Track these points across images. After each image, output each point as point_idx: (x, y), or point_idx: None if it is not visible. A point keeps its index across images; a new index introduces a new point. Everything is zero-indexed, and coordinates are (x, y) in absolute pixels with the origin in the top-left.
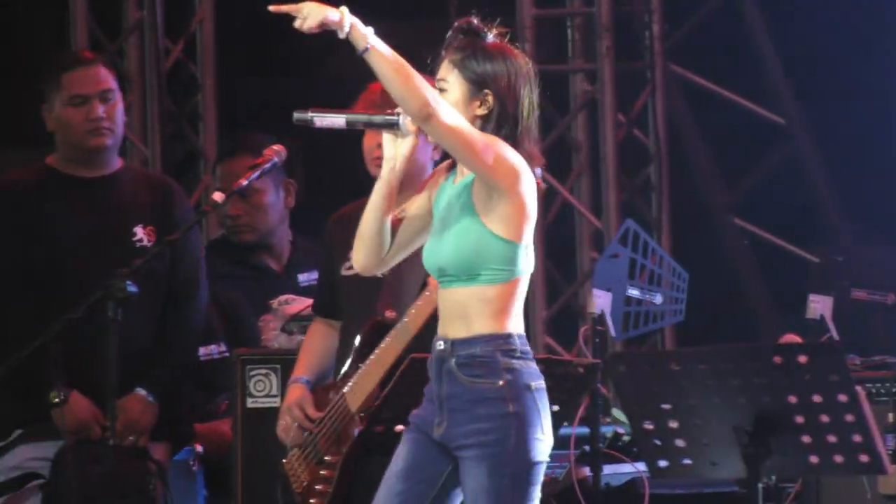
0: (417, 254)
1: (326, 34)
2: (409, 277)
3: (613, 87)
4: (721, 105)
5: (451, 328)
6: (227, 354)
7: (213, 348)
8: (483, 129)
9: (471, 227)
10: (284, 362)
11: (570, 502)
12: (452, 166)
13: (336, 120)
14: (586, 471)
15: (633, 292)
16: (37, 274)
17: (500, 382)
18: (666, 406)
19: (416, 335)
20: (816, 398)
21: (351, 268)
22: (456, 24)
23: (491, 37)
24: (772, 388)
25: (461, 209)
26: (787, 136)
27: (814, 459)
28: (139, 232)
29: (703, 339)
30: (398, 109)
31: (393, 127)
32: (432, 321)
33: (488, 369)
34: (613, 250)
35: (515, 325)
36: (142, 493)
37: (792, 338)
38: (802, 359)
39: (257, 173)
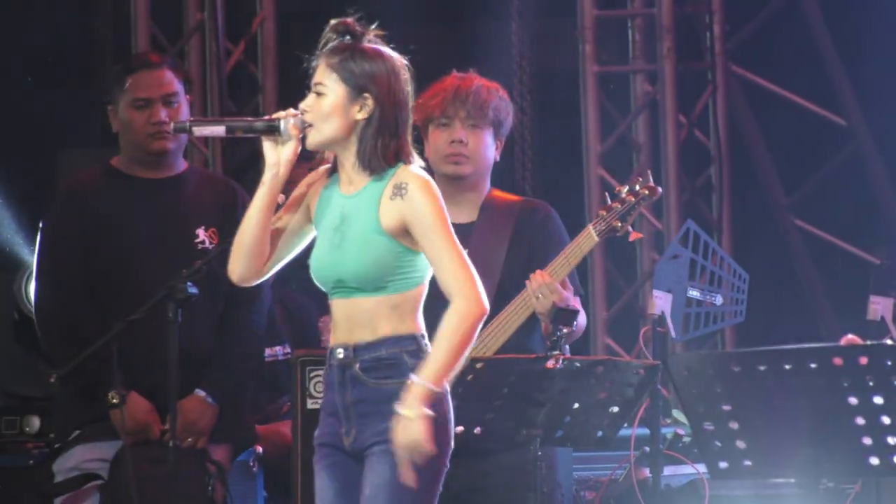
0: (494, 254)
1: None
2: (487, 278)
3: (674, 88)
4: (782, 106)
5: (352, 335)
6: (290, 355)
7: (277, 349)
8: (364, 132)
9: (377, 240)
10: None
11: (630, 503)
12: (331, 171)
13: (216, 128)
14: (646, 472)
15: (694, 293)
16: (99, 275)
17: (408, 381)
18: (726, 407)
19: (506, 341)
20: (877, 399)
21: None
22: (331, 25)
23: (366, 39)
24: (832, 390)
25: (364, 222)
26: (849, 137)
27: (874, 461)
28: (201, 234)
29: (764, 341)
30: (279, 114)
31: (274, 132)
32: (525, 325)
33: (395, 370)
34: (674, 251)
35: (419, 325)
36: (200, 495)
37: (853, 339)
38: (863, 360)
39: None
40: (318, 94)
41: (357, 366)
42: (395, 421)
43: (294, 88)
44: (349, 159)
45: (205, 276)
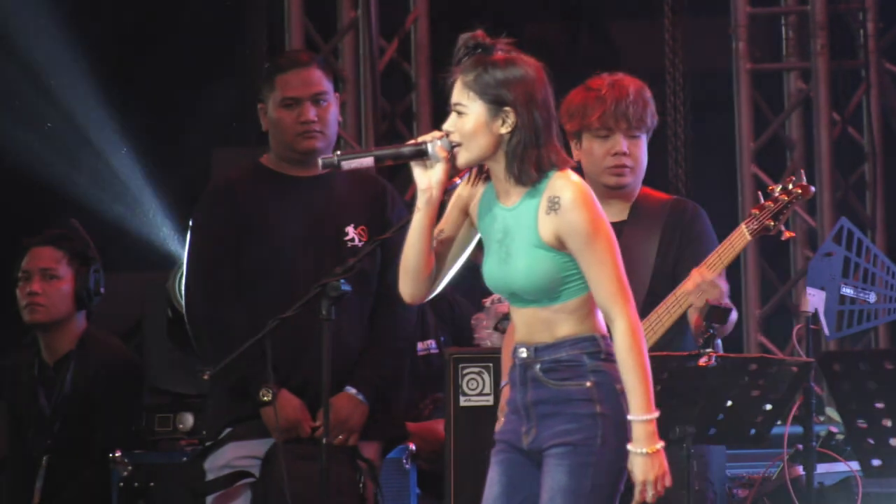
0: (644, 253)
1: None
2: (638, 276)
3: (828, 85)
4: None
5: (533, 336)
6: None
7: (430, 343)
8: (510, 145)
9: (541, 255)
10: (497, 361)
11: (784, 501)
12: (485, 178)
13: (364, 160)
14: (799, 469)
15: (847, 291)
16: (250, 272)
17: (588, 384)
18: (880, 405)
19: (658, 339)
20: None
21: None
22: (462, 39)
23: (498, 49)
24: None
25: (525, 237)
26: None
27: None
28: (350, 231)
29: None
30: (424, 137)
31: (423, 156)
32: (676, 324)
33: (574, 371)
34: (827, 249)
35: (600, 325)
36: (352, 492)
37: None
38: None
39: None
40: (459, 113)
41: (538, 366)
42: (631, 461)
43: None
44: (501, 172)
45: (356, 274)
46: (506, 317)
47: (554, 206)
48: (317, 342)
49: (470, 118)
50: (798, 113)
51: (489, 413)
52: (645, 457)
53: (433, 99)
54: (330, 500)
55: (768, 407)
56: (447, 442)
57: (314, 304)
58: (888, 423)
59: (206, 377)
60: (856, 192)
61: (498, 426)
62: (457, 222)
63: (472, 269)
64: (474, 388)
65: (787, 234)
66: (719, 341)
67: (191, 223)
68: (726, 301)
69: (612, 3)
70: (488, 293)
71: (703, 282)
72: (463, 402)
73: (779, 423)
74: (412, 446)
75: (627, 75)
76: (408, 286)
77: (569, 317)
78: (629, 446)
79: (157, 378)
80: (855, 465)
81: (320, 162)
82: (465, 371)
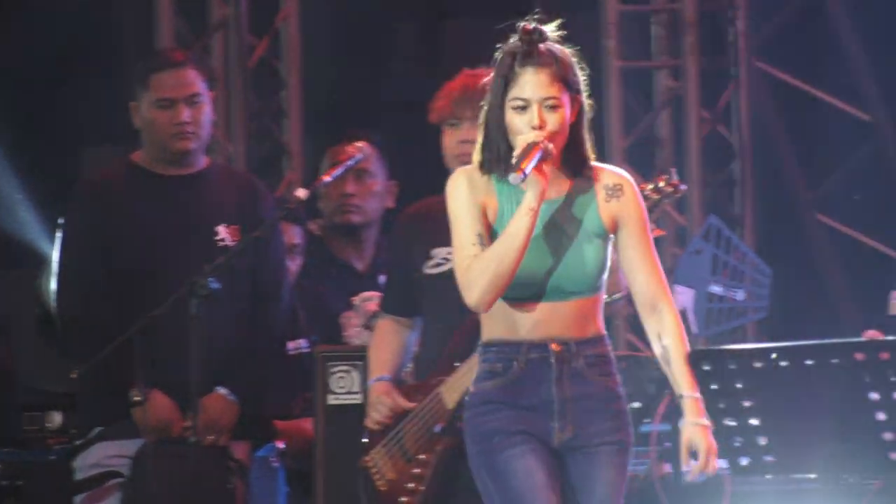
0: None
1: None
2: None
3: (697, 84)
4: (806, 101)
5: (565, 331)
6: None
7: (301, 342)
8: (573, 133)
9: (600, 244)
10: (366, 359)
11: (651, 499)
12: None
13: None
14: (667, 468)
15: (716, 289)
16: (120, 271)
17: (618, 380)
18: (747, 403)
19: None
20: None
21: (438, 265)
22: (523, 30)
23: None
24: (854, 385)
25: (585, 226)
26: (873, 133)
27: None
28: (221, 231)
29: (786, 336)
30: (528, 138)
31: (548, 156)
32: None
33: (612, 367)
34: (696, 246)
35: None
36: (221, 492)
37: (874, 334)
38: (885, 355)
39: (340, 170)
40: (552, 107)
41: (581, 360)
42: (693, 433)
43: (317, 84)
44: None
45: (226, 273)
46: (375, 315)
47: (616, 192)
48: (188, 341)
49: (562, 110)
50: (667, 111)
51: (358, 411)
52: (707, 428)
53: (303, 97)
54: (199, 500)
55: (636, 405)
56: (316, 440)
57: (184, 303)
58: (756, 421)
59: (73, 376)
60: (725, 191)
61: (374, 419)
62: (485, 225)
63: (341, 266)
64: (343, 387)
65: (657, 232)
66: None
67: (61, 221)
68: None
69: (480, 1)
70: (357, 291)
71: None
72: (331, 400)
73: (647, 421)
74: (280, 445)
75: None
76: (494, 295)
77: (598, 311)
78: (689, 419)
79: (26, 376)
80: (723, 464)
81: (511, 178)
82: (333, 369)
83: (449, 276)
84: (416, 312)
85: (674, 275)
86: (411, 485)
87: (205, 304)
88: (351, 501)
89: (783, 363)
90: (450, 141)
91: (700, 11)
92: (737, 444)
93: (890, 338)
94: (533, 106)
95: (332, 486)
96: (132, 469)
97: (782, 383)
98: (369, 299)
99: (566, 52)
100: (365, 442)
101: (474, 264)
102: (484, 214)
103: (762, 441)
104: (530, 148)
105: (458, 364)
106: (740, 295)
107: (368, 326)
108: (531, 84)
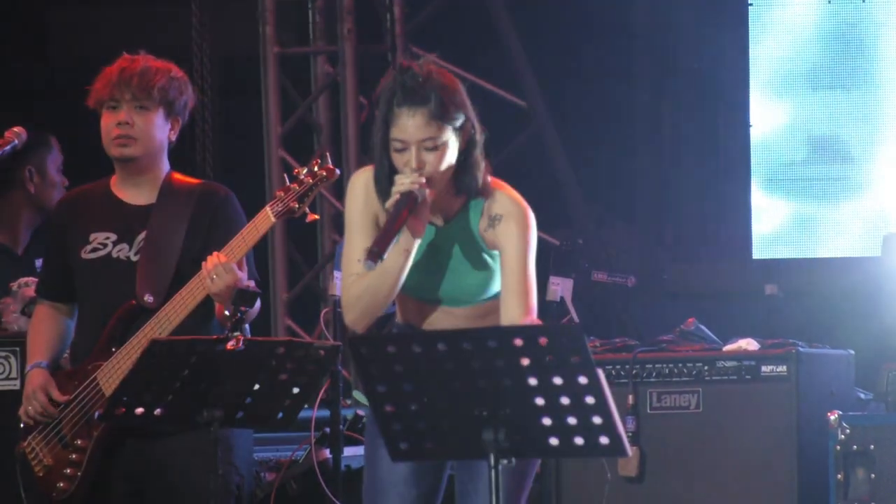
0: (172, 237)
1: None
2: (165, 261)
3: (355, 70)
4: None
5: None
6: None
7: None
8: (472, 160)
9: (479, 264)
10: (24, 345)
11: (311, 484)
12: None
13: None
14: (326, 453)
15: None
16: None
17: None
18: (407, 388)
19: (181, 323)
20: (557, 380)
21: (94, 250)
22: (400, 72)
23: (426, 67)
24: (512, 371)
25: (460, 248)
26: (530, 118)
27: (554, 441)
28: None
29: None
30: (401, 186)
31: (416, 203)
32: (201, 308)
33: None
34: None
35: None
36: None
37: (532, 320)
38: (543, 341)
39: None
40: (429, 149)
41: None
42: None
43: None
44: (443, 190)
45: None
46: (32, 301)
47: (494, 222)
48: None
49: (442, 148)
50: (325, 96)
51: (16, 397)
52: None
53: None
54: None
55: (296, 390)
56: None
57: None
58: (415, 406)
59: None
60: None
61: (28, 412)
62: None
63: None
64: (1, 373)
65: (311, 217)
66: (248, 325)
67: None
68: (248, 284)
69: None
70: (13, 277)
71: (218, 265)
72: None
73: (306, 406)
74: None
75: (151, 57)
76: (368, 318)
77: (498, 308)
78: None
79: None
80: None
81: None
82: None
83: (107, 260)
84: (74, 298)
85: (334, 260)
86: (68, 470)
87: None
88: (9, 487)
89: (441, 347)
90: (108, 123)
91: None
92: (396, 429)
93: (547, 323)
94: (411, 148)
95: None
96: None
97: (441, 368)
98: (27, 285)
99: (447, 83)
100: (22, 427)
101: (353, 288)
102: (376, 224)
103: (421, 426)
104: (398, 213)
105: (115, 349)
106: None
107: (26, 312)
108: (408, 126)
